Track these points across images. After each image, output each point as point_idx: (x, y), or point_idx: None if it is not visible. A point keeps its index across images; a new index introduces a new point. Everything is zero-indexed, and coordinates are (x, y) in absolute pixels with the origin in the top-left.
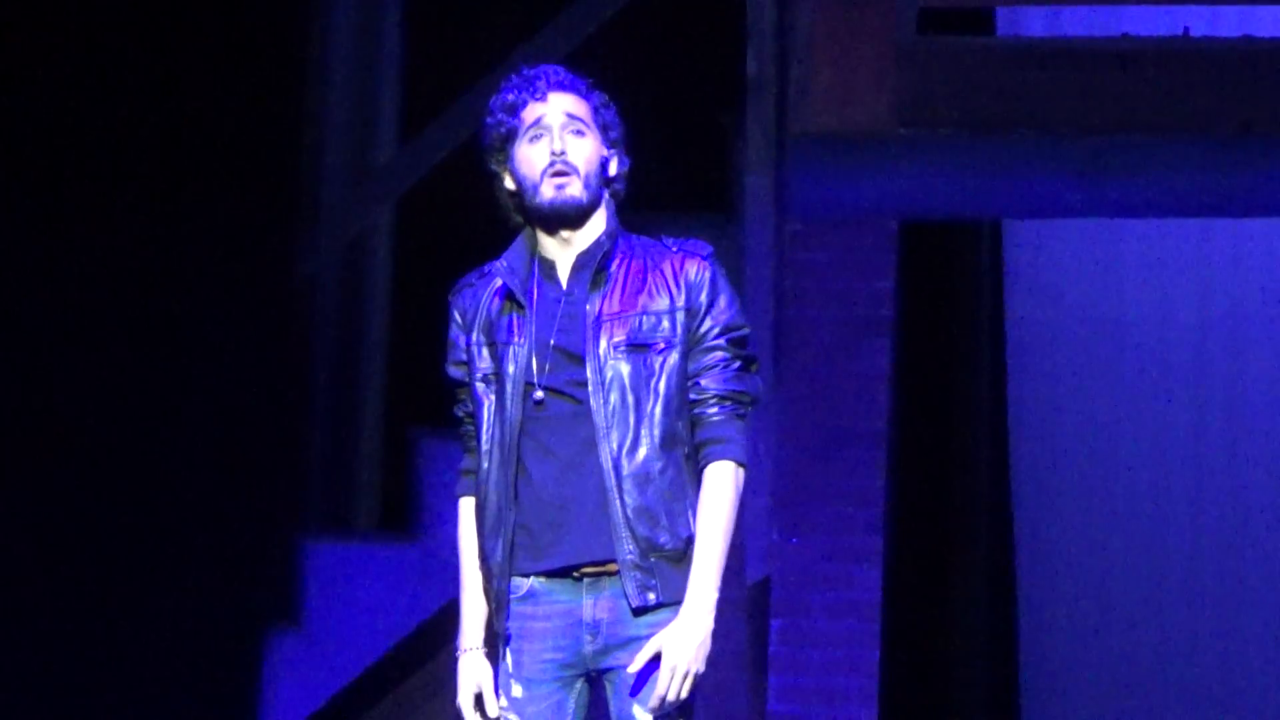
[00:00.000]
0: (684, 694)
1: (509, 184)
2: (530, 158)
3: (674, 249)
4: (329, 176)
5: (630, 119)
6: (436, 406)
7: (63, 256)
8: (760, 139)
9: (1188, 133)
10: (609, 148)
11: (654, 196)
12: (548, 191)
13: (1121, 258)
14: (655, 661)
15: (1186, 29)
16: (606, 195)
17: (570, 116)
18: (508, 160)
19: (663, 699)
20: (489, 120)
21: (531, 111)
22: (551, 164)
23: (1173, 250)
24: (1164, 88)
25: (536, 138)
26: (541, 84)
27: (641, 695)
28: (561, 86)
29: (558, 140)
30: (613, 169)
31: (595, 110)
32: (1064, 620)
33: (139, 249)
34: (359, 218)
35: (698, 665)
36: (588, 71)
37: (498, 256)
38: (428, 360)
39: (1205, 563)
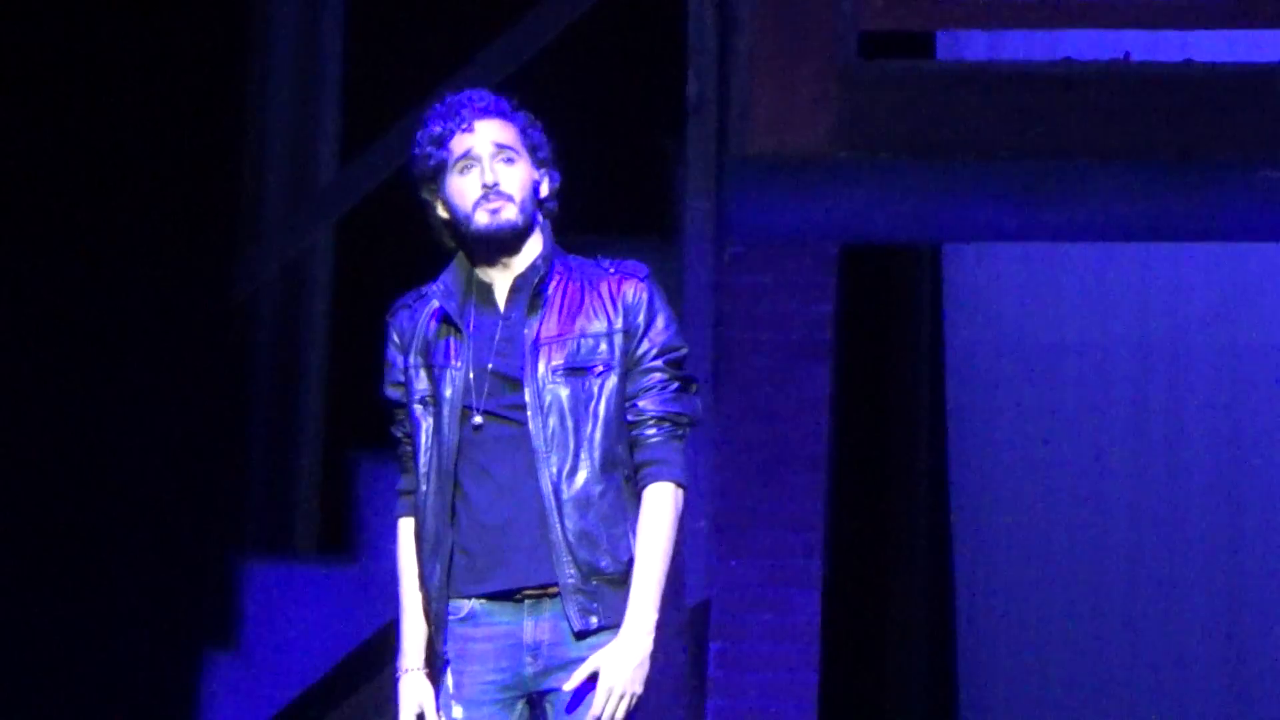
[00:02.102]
0: (620, 716)
1: (442, 212)
2: (462, 189)
3: (611, 270)
4: (268, 197)
5: (571, 141)
6: (375, 428)
7: None
8: (700, 162)
9: (1128, 157)
10: (539, 168)
11: (594, 219)
12: (482, 218)
13: (1061, 282)
14: (592, 682)
15: (1127, 54)
16: (541, 216)
17: (499, 146)
18: (439, 190)
19: (598, 719)
20: (416, 153)
21: (460, 143)
22: (484, 194)
23: (1112, 275)
24: (1104, 112)
25: (467, 169)
26: (467, 113)
27: (576, 714)
28: (487, 113)
29: (489, 172)
30: (544, 189)
31: (523, 132)
32: (1002, 645)
33: (76, 268)
34: (298, 239)
35: (635, 687)
36: (529, 93)
37: (436, 278)
38: (367, 382)
39: (1144, 585)
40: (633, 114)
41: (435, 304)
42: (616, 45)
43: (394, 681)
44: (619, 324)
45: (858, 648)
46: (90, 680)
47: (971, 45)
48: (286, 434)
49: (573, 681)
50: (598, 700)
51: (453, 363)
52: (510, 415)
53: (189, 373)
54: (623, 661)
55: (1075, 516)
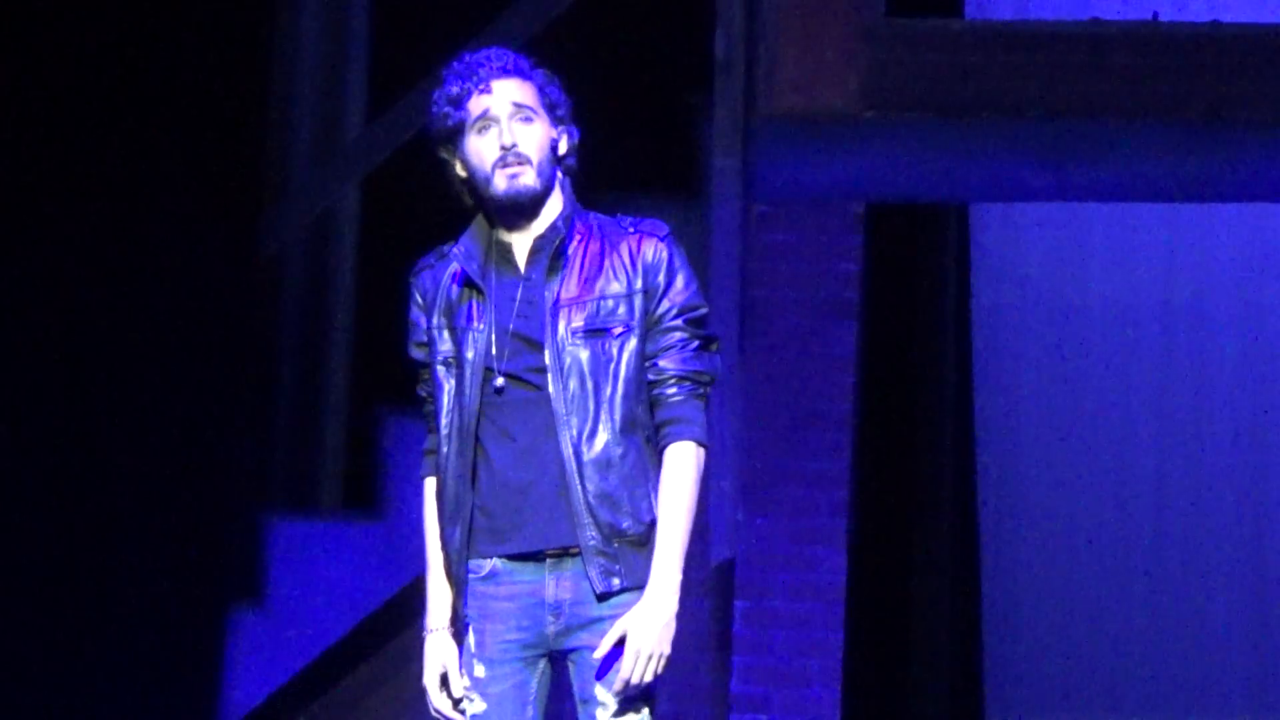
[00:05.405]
0: (649, 677)
1: (460, 171)
2: (480, 150)
3: (631, 229)
4: (296, 154)
5: (599, 99)
6: (401, 385)
7: (26, 234)
8: (728, 120)
9: (1155, 118)
10: (557, 125)
11: (622, 177)
12: (501, 183)
13: (1087, 242)
14: (621, 645)
15: (1155, 14)
16: (560, 174)
17: (517, 105)
18: (457, 150)
19: (627, 681)
20: (434, 112)
21: (477, 103)
22: (502, 157)
23: (1139, 235)
24: (1132, 73)
25: (485, 129)
26: (484, 72)
27: (606, 678)
28: (505, 72)
29: (507, 133)
30: (563, 147)
31: (540, 90)
32: (1027, 601)
33: (103, 226)
34: (325, 196)
35: (663, 648)
36: (557, 51)
37: (456, 238)
38: (393, 339)
39: (1168, 542)
40: (660, 72)
41: (456, 266)
42: (644, 3)
43: (418, 639)
44: (639, 284)
45: (883, 606)
46: (116, 635)
47: (999, 4)
48: (313, 390)
49: (602, 648)
50: (626, 663)
51: (475, 324)
52: (530, 378)
53: (217, 329)
54: (650, 623)
55: (1100, 473)
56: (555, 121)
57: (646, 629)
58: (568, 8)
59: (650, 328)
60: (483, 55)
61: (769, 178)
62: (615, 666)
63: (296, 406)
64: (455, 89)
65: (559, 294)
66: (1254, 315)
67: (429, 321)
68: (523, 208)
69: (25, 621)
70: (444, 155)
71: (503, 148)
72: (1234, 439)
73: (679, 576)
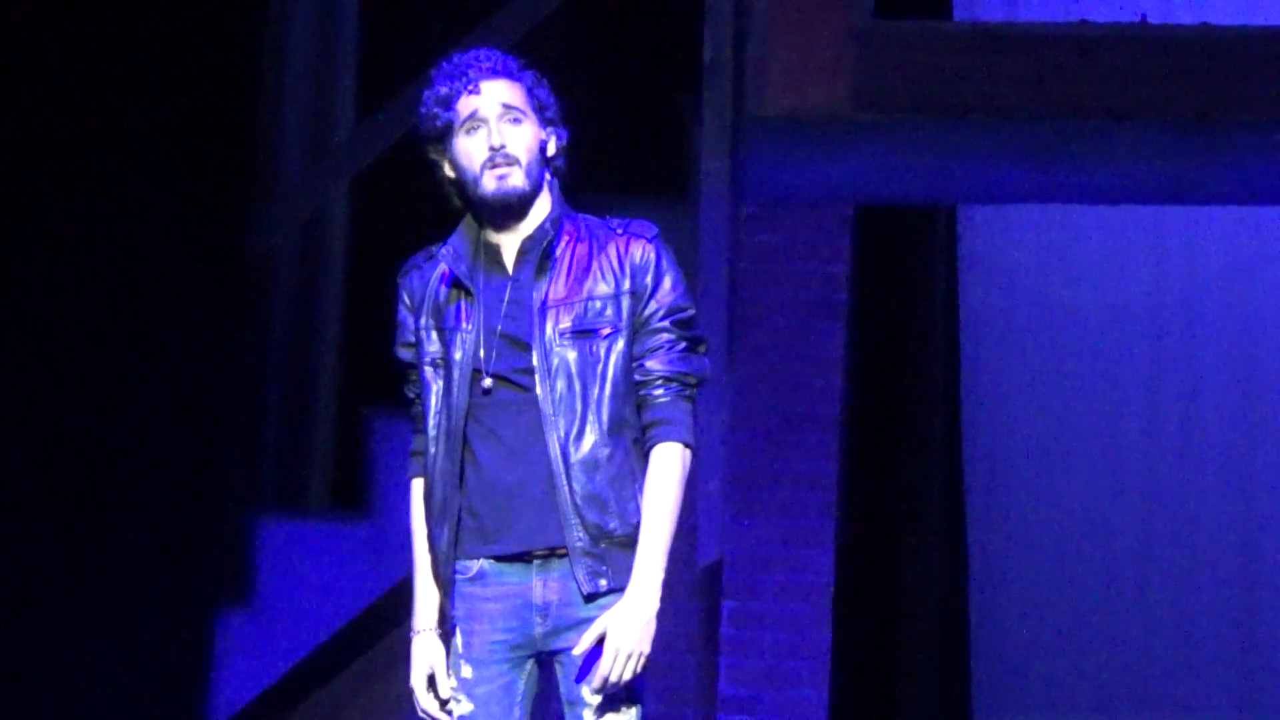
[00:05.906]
0: (628, 675)
1: (449, 172)
2: (469, 150)
3: (619, 230)
4: (286, 153)
5: (587, 100)
6: (390, 385)
7: (15, 232)
8: (717, 121)
9: (1144, 119)
10: (546, 127)
11: (611, 178)
12: (489, 184)
13: (1077, 244)
14: (602, 642)
15: (1144, 16)
16: (549, 175)
17: (505, 106)
18: (446, 151)
19: (606, 679)
20: (423, 112)
21: (466, 104)
22: (491, 158)
23: (1128, 237)
24: (1121, 74)
25: (473, 130)
26: (473, 73)
27: (587, 676)
28: (494, 73)
29: (495, 134)
30: (551, 148)
31: (529, 92)
32: (1015, 604)
33: (91, 225)
34: (315, 195)
35: (643, 647)
36: (546, 52)
37: (445, 239)
38: (382, 339)
39: (1156, 546)
40: (649, 73)
41: (444, 266)
42: (633, 4)
43: (406, 639)
44: (626, 285)
45: (870, 607)
46: (104, 636)
47: (988, 6)
48: (301, 391)
49: (582, 645)
50: (605, 660)
51: (463, 325)
52: (518, 379)
53: (206, 328)
54: (630, 621)
55: (1088, 475)
56: (544, 123)
57: (626, 627)
58: (557, 9)
59: (638, 329)
60: (472, 56)
61: (758, 179)
62: (595, 665)
63: (285, 407)
64: (444, 89)
65: (547, 295)
66: (1243, 317)
67: (417, 322)
68: (511, 209)
69: (15, 621)
70: (433, 156)
71: (491, 148)
72: (1223, 440)
73: (661, 576)
